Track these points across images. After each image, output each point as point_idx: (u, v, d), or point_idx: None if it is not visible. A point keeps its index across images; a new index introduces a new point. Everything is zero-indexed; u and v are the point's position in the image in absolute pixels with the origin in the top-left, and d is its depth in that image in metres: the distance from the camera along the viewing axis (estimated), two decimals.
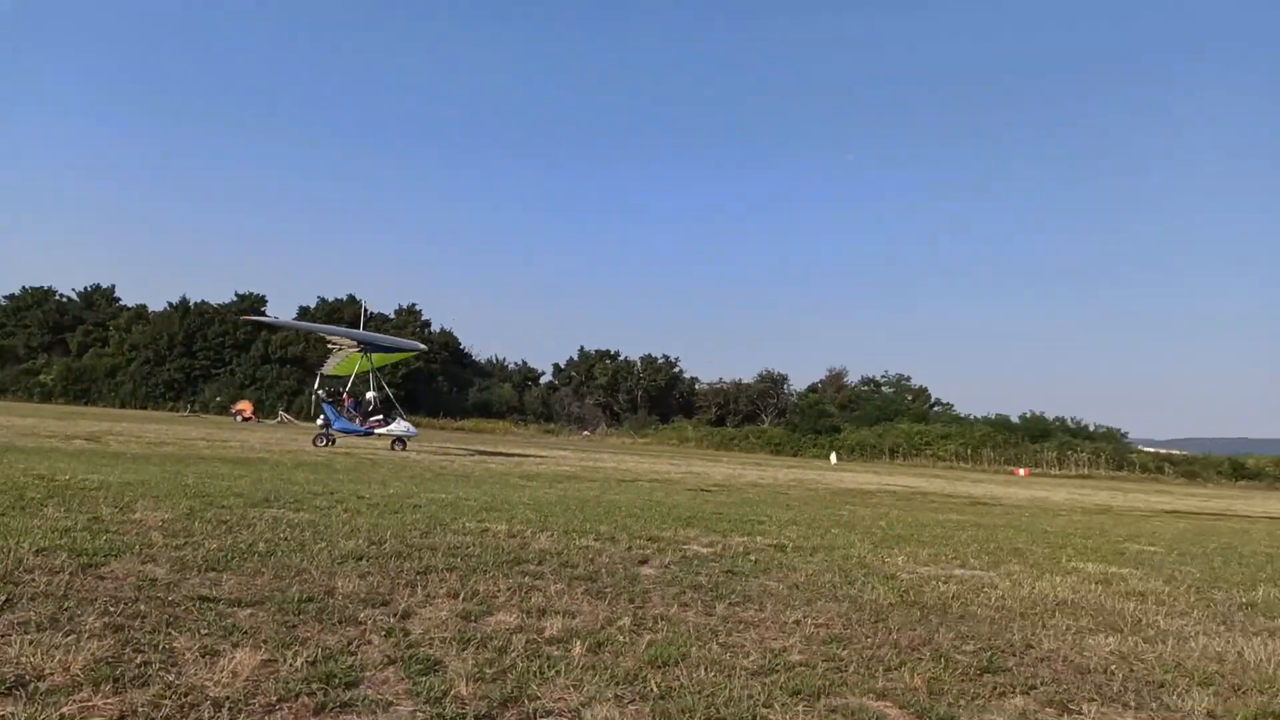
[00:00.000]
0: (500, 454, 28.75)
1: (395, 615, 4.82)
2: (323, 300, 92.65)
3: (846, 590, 6.64)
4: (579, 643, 4.49)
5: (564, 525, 9.30)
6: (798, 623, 5.42)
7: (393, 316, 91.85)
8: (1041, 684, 4.44)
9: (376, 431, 26.95)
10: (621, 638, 4.70)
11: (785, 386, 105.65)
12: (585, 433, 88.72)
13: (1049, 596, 6.99)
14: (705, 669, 4.22)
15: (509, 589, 5.73)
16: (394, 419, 27.41)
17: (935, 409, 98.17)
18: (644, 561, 7.41)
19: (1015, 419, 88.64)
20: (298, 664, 3.82)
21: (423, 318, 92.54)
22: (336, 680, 3.67)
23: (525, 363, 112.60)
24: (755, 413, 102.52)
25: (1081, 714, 4.00)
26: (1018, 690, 4.31)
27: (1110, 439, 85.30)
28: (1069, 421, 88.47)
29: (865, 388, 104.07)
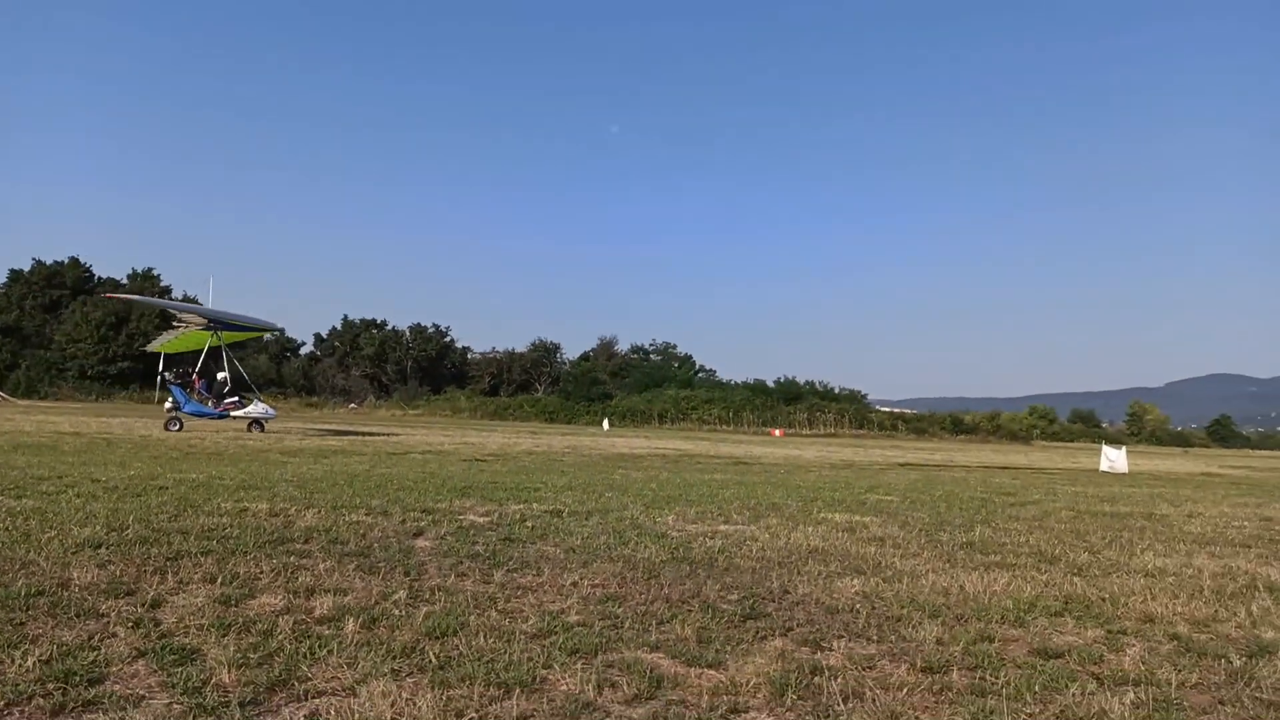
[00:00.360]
0: (358, 432, 26.93)
1: (143, 605, 4.44)
2: (39, 263, 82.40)
3: (621, 551, 6.85)
4: (352, 620, 4.35)
5: (331, 501, 8.93)
6: (575, 584, 5.53)
7: (125, 281, 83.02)
8: (797, 625, 4.81)
9: (232, 414, 25.81)
10: (397, 611, 4.60)
11: (558, 355, 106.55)
12: (352, 405, 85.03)
13: (803, 546, 7.55)
14: (485, 636, 4.22)
15: (273, 570, 5.43)
16: (251, 400, 26.50)
17: (700, 375, 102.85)
18: (419, 534, 7.26)
19: (771, 384, 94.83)
20: (28, 664, 3.44)
21: (161, 283, 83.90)
22: (77, 678, 3.34)
23: (283, 332, 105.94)
24: (529, 382, 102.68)
25: (832, 650, 4.38)
26: (777, 633, 4.65)
27: (853, 400, 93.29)
28: (818, 385, 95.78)
29: (635, 356, 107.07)
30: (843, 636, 4.62)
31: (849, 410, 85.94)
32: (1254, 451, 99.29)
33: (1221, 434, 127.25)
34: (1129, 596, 5.90)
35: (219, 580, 5.07)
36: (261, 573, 5.35)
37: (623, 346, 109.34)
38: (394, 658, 3.84)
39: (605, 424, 65.58)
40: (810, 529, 8.64)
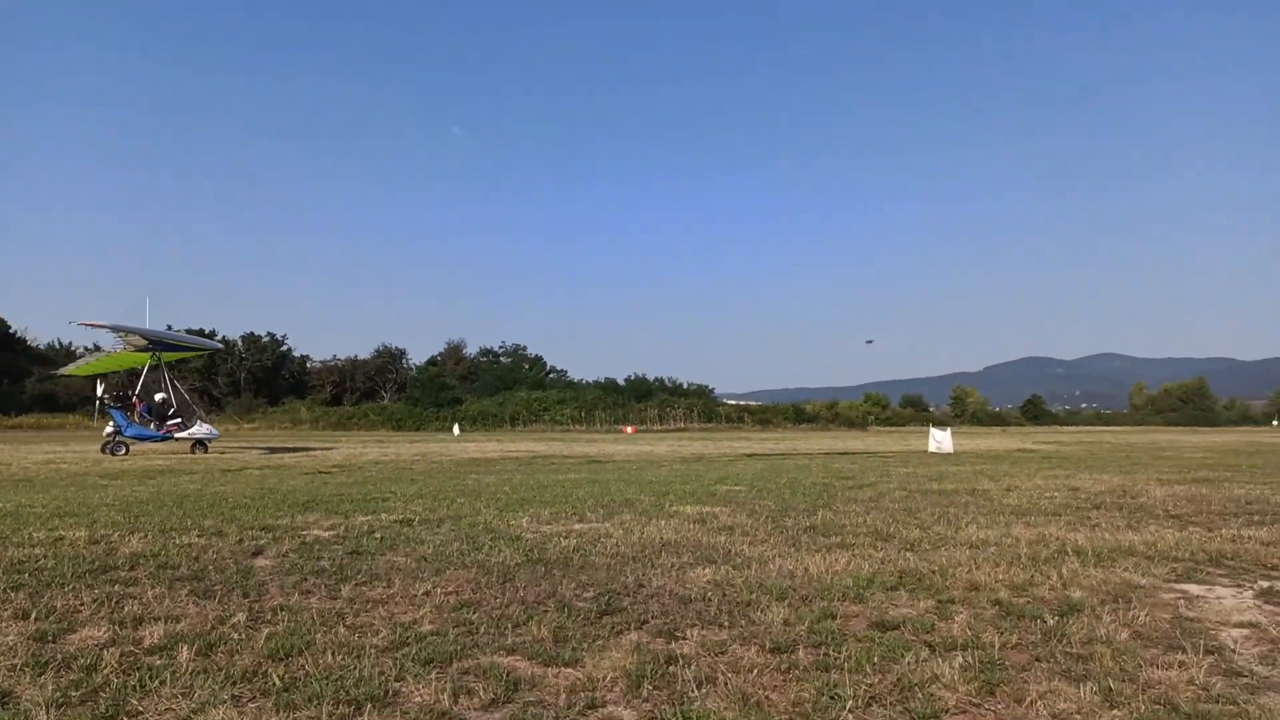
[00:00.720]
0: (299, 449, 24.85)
1: None
2: None
3: (475, 556, 6.76)
4: (186, 647, 4.10)
5: (160, 524, 8.39)
6: (428, 594, 5.42)
7: None
8: (652, 617, 4.90)
9: (175, 436, 25.19)
10: (236, 635, 4.38)
11: (404, 361, 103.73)
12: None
13: (656, 539, 7.68)
14: (333, 653, 4.08)
15: (95, 601, 5.05)
16: (194, 421, 25.82)
17: (551, 377, 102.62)
18: (258, 553, 6.93)
19: (622, 382, 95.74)
20: None
21: None
22: None
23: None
24: (374, 389, 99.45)
25: (686, 639, 4.48)
26: (632, 626, 4.72)
27: (701, 395, 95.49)
28: (667, 382, 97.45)
29: (484, 359, 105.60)
30: (696, 625, 4.73)
31: (697, 405, 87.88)
32: (1062, 428, 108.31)
33: (1034, 413, 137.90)
34: (956, 568, 6.33)
35: (33, 616, 4.67)
36: (82, 604, 4.97)
37: (472, 350, 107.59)
38: (234, 683, 3.66)
39: (456, 429, 64.39)
40: (663, 522, 8.80)
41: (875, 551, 7.06)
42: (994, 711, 3.49)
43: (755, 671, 3.92)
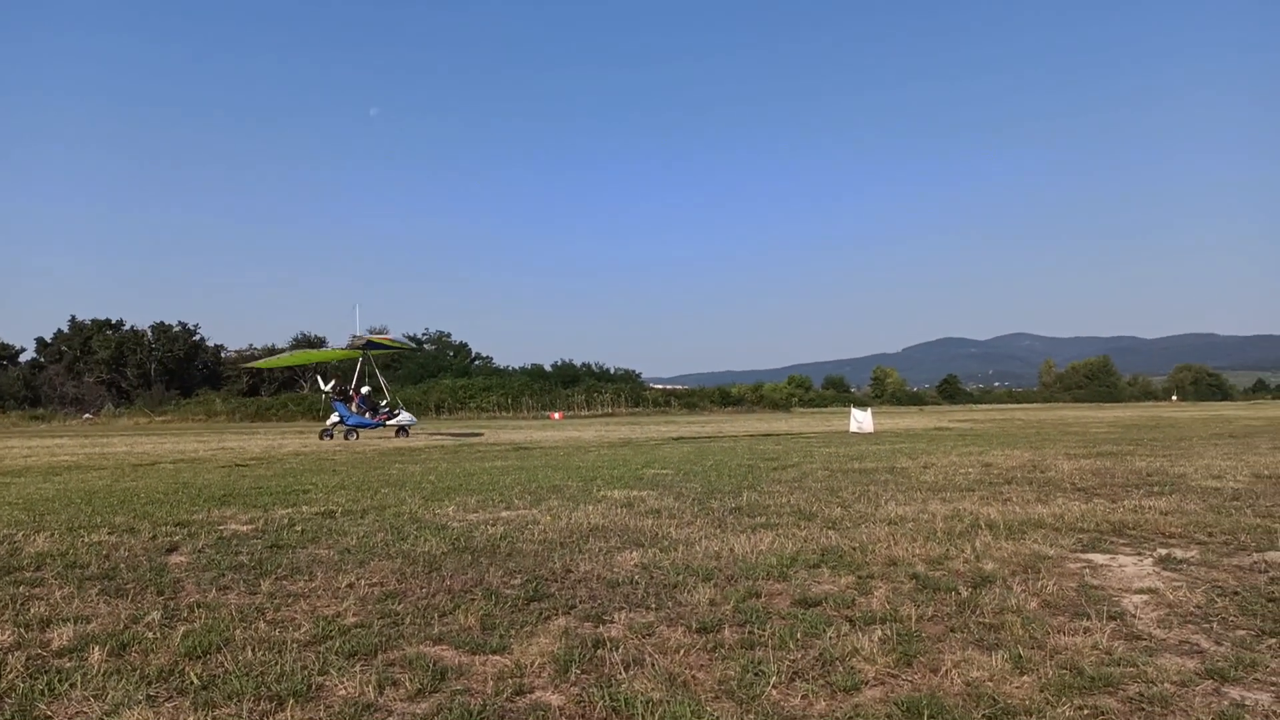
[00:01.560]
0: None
1: None
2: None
3: (400, 547, 6.68)
4: (98, 648, 3.97)
5: (67, 522, 8.07)
6: (351, 586, 5.34)
7: None
8: (580, 602, 4.92)
9: (387, 423, 29.10)
10: (151, 634, 4.25)
11: (324, 349, 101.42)
12: (87, 416, 76.67)
13: (584, 524, 7.70)
14: (253, 649, 3.99)
15: None
16: (398, 410, 30.04)
17: (476, 363, 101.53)
18: (173, 549, 6.72)
19: (549, 368, 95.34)
20: None
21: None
22: None
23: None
24: (293, 379, 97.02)
25: (613, 622, 4.52)
26: (560, 612, 4.73)
27: (628, 380, 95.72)
28: (594, 367, 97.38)
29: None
30: (623, 608, 4.77)
31: (625, 390, 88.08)
32: (976, 406, 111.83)
33: (949, 392, 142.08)
34: (876, 544, 6.50)
35: None
36: None
37: (395, 337, 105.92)
38: (149, 684, 3.55)
39: None
40: (591, 507, 8.82)
41: (799, 530, 7.21)
42: (911, 682, 3.61)
43: (682, 652, 3.97)
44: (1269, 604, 4.68)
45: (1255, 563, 5.78)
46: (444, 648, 4.10)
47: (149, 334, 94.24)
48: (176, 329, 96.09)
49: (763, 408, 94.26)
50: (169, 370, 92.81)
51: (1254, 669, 3.67)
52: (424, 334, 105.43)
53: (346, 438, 27.38)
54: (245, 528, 7.85)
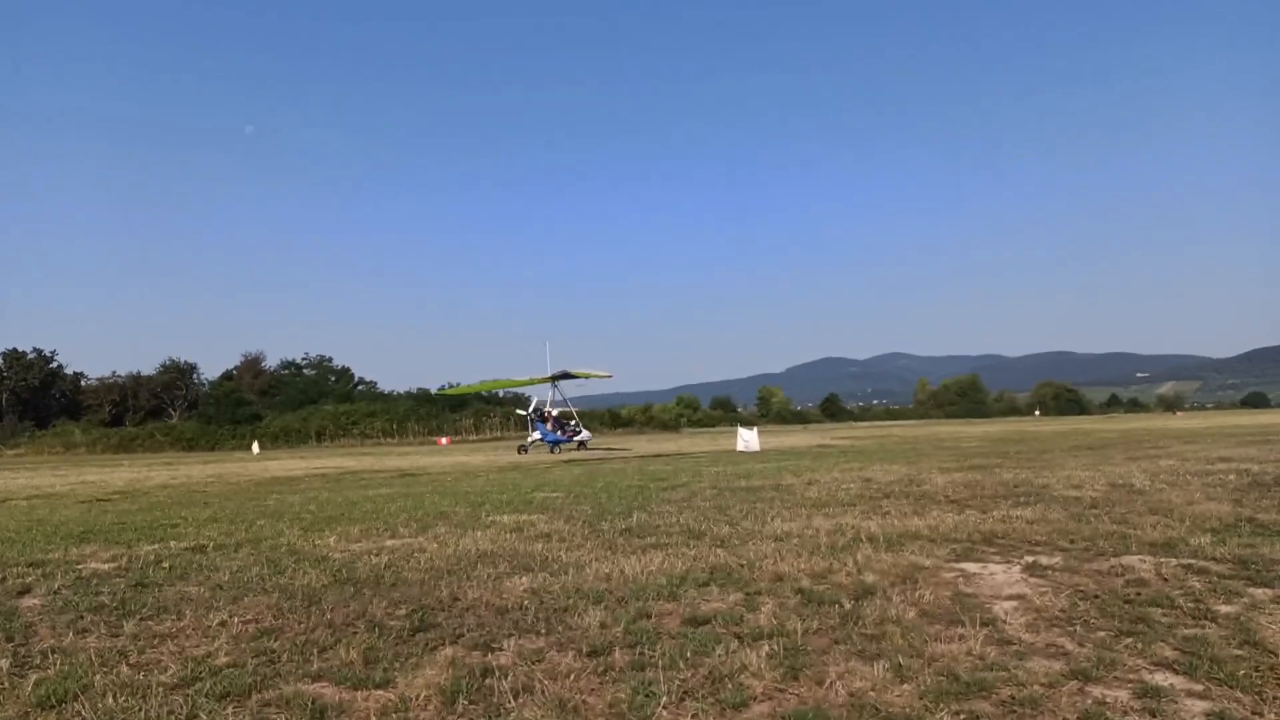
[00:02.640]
0: None
1: None
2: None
3: (276, 581, 6.40)
4: None
5: None
6: (223, 624, 5.08)
7: None
8: (468, 631, 4.82)
9: (574, 439, 35.32)
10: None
11: (195, 376, 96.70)
12: None
13: (472, 551, 7.56)
14: (114, 695, 3.74)
15: None
16: (580, 428, 36.36)
17: (360, 388, 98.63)
18: (25, 591, 6.27)
19: (435, 391, 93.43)
20: None
21: None
22: None
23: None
24: (161, 407, 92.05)
25: (502, 650, 4.44)
26: (447, 641, 4.62)
27: (518, 403, 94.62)
28: (483, 390, 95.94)
29: (286, 371, 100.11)
30: (512, 635, 4.70)
31: (514, 413, 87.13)
32: (857, 423, 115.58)
33: (831, 410, 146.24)
34: (763, 560, 6.62)
35: None
36: None
37: (272, 363, 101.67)
38: None
39: (255, 447, 60.69)
40: (479, 533, 8.67)
41: (688, 550, 7.26)
42: (797, 695, 3.68)
43: (572, 676, 3.94)
44: (1126, 605, 4.98)
45: (1113, 567, 6.15)
46: (324, 685, 3.94)
47: (0, 362, 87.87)
48: (31, 356, 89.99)
49: (652, 428, 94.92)
50: (22, 400, 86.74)
51: (1114, 668, 3.90)
52: (304, 358, 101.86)
53: (553, 449, 33.78)
54: (107, 566, 7.38)
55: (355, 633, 4.79)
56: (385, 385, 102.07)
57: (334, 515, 11.10)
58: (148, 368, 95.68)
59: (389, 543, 8.35)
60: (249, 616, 5.26)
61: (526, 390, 41.07)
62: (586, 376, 37.88)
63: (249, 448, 61.73)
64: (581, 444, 35.88)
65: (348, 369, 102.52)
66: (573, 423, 36.40)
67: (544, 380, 36.78)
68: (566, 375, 35.95)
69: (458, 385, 40.58)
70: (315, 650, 4.46)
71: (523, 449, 34.20)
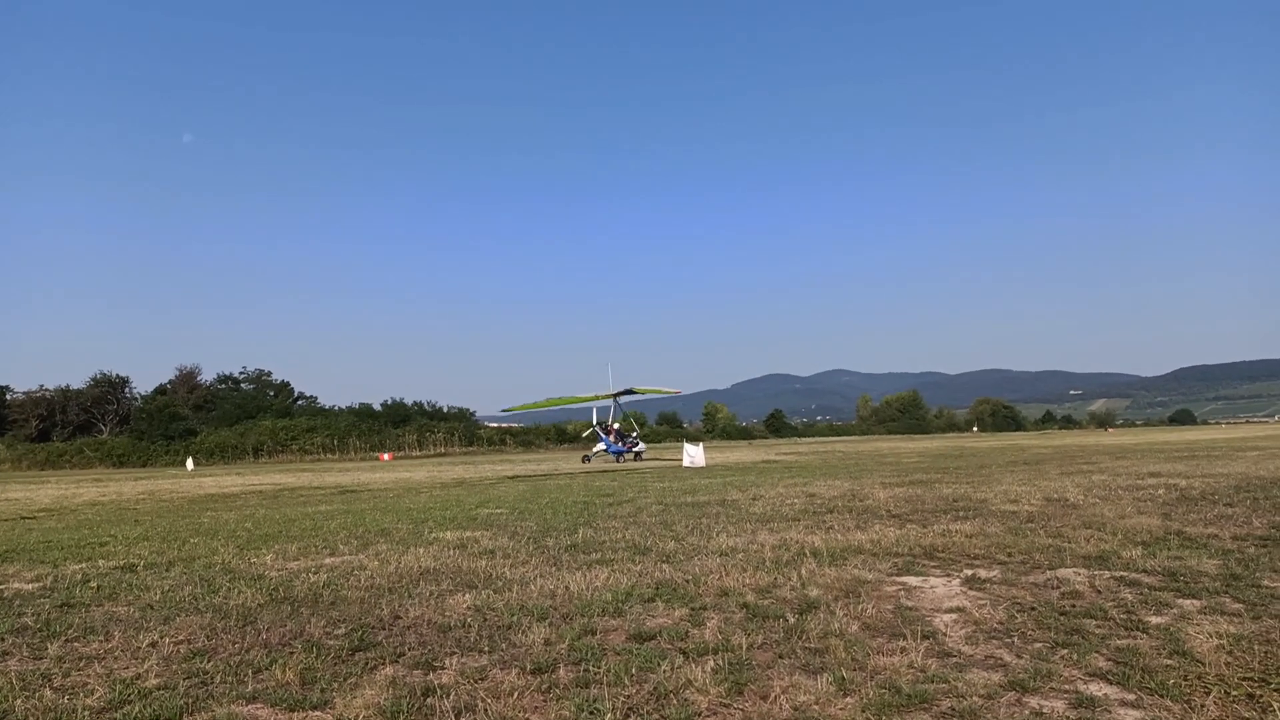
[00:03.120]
0: None
1: None
2: None
3: (210, 600, 6.23)
4: None
5: None
6: (154, 644, 4.92)
7: None
8: (409, 649, 4.73)
9: (633, 450, 38.14)
10: None
11: (127, 390, 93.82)
12: None
13: (414, 568, 7.44)
14: None
15: None
16: (638, 441, 39.22)
17: (300, 403, 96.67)
18: None
19: (378, 406, 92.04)
20: None
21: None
22: None
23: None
24: (91, 422, 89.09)
25: (444, 668, 4.36)
26: (387, 661, 4.53)
27: (462, 418, 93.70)
28: (426, 405, 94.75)
29: (223, 386, 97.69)
30: (455, 653, 4.62)
31: (458, 428, 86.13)
32: (801, 439, 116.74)
33: (776, 426, 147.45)
34: (708, 575, 6.62)
35: None
36: None
37: (208, 377, 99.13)
38: None
39: (189, 464, 59.06)
40: (422, 550, 8.54)
41: (633, 565, 7.24)
42: (742, 710, 3.68)
43: (516, 695, 3.89)
44: (1061, 617, 5.09)
45: (1049, 579, 6.28)
46: (258, 706, 3.83)
47: None
48: None
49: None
50: None
51: (1050, 679, 3.97)
52: (242, 372, 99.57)
53: (618, 458, 37.21)
54: (30, 586, 7.10)
55: (292, 653, 4.67)
56: (326, 400, 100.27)
57: (271, 533, 10.84)
58: (77, 381, 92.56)
59: (328, 560, 8.18)
60: (181, 637, 5.10)
61: (574, 405, 44.69)
62: (655, 393, 41.85)
63: (183, 464, 60.07)
64: (638, 455, 38.49)
65: (287, 383, 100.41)
66: (633, 435, 40.02)
67: (607, 396, 40.32)
68: (630, 392, 39.52)
69: (527, 403, 42.86)
70: (250, 671, 4.34)
71: (586, 458, 38.01)
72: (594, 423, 40.30)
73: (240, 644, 4.90)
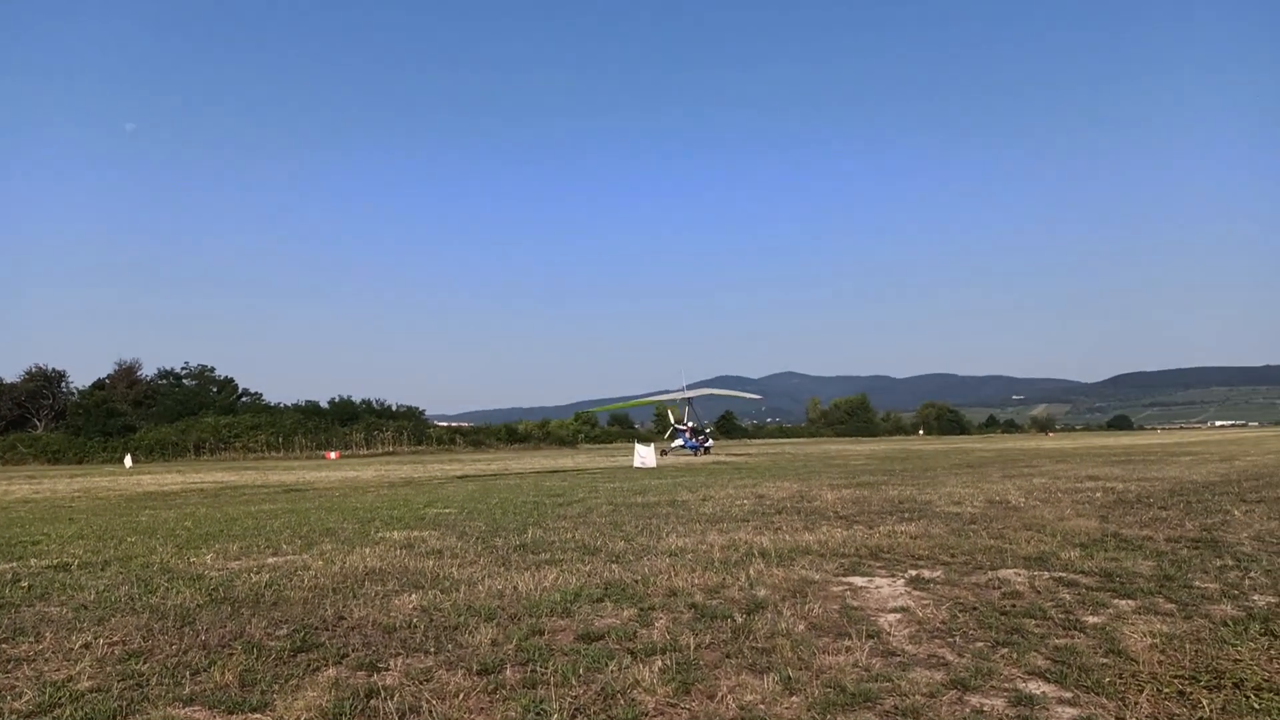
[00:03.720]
0: None
1: None
2: None
3: (147, 600, 6.07)
4: None
5: None
6: (87, 646, 4.78)
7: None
8: (353, 650, 4.66)
9: (705, 446, 42.55)
10: None
11: (63, 385, 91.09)
12: None
13: (359, 568, 7.33)
14: None
15: None
16: (709, 439, 43.80)
17: (244, 400, 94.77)
18: None
19: (325, 404, 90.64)
20: None
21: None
22: None
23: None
24: (25, 417, 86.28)
25: (389, 669, 4.31)
26: (330, 662, 4.45)
27: (411, 417, 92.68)
28: (374, 403, 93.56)
29: (164, 381, 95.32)
30: (400, 654, 4.57)
31: (407, 427, 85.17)
32: (751, 440, 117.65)
33: (727, 427, 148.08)
34: (657, 575, 6.63)
35: None
36: None
37: (148, 372, 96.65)
38: None
39: (128, 461, 57.53)
40: (368, 550, 8.43)
41: (583, 565, 7.22)
42: (689, 709, 3.69)
43: (461, 695, 3.85)
44: (1002, 617, 5.20)
45: (990, 580, 6.41)
46: (196, 709, 3.75)
47: None
48: None
49: (549, 444, 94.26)
50: None
51: (990, 677, 4.05)
52: (184, 368, 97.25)
53: (695, 452, 41.63)
54: None
55: (231, 654, 4.57)
56: (272, 397, 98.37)
57: (212, 532, 10.62)
58: (10, 374, 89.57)
59: (270, 560, 8.03)
60: (115, 638, 4.97)
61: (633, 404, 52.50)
62: (735, 396, 48.22)
63: (121, 461, 58.50)
64: (707, 450, 42.70)
65: (231, 379, 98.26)
66: (707, 430, 45.05)
67: (680, 398, 46.70)
68: (710, 394, 46.16)
69: (602, 405, 48.57)
70: (188, 673, 4.24)
71: (665, 452, 41.50)
72: (671, 421, 45.85)
73: (178, 645, 4.78)
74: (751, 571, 6.75)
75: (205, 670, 4.28)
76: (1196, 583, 6.12)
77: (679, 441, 43.08)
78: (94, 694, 3.92)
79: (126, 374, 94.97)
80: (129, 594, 6.32)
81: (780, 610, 5.41)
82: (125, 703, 3.78)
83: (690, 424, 44.40)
